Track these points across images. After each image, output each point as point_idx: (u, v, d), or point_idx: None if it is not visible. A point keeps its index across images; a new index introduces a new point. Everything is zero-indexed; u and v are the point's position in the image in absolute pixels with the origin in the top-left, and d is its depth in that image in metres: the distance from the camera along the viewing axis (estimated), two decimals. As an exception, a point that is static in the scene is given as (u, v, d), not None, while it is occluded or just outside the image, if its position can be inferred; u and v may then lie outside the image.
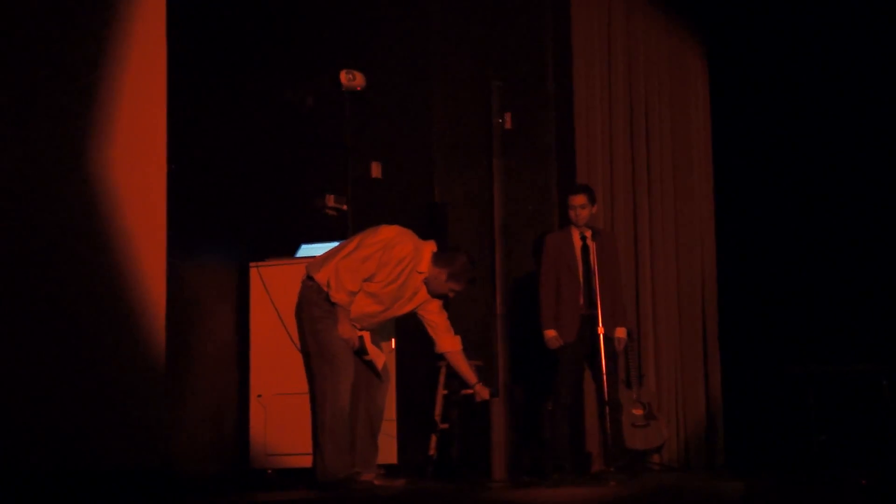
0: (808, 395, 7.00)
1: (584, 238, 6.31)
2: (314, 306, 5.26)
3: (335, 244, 6.13)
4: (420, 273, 5.34)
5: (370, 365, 5.43)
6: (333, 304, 5.21)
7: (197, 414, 5.86)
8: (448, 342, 5.51)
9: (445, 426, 6.65)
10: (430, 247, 5.38)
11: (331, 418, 5.18)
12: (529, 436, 6.84)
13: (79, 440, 4.91)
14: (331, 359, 5.22)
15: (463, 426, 6.61)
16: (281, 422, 6.09)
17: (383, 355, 5.43)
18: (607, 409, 6.08)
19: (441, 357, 6.74)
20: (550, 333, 6.29)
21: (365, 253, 5.22)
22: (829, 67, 7.80)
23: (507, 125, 6.94)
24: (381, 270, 5.24)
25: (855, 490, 5.64)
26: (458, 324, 7.18)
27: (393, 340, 6.16)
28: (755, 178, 7.98)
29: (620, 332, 6.37)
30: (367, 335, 5.34)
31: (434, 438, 6.54)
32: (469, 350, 6.95)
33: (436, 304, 5.48)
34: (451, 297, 5.43)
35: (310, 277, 5.30)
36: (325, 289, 5.22)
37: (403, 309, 5.44)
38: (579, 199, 6.34)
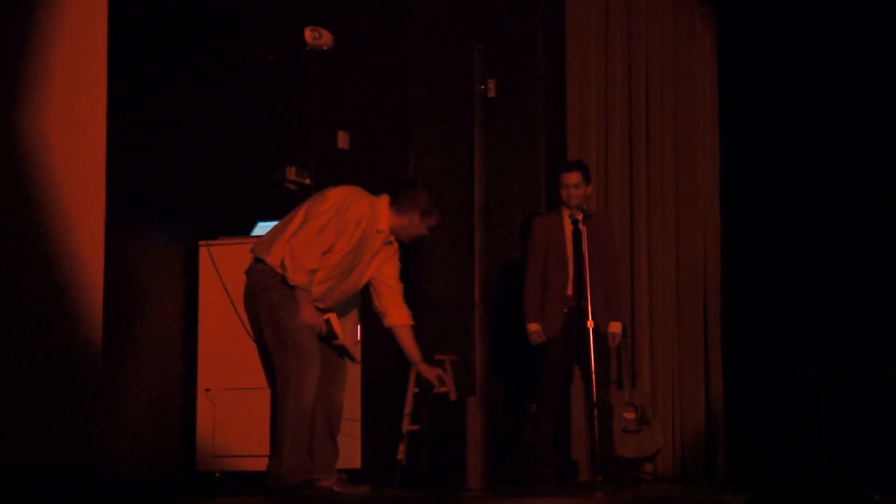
0: (819, 399, 7.04)
1: (575, 221, 6.30)
2: (271, 292, 5.22)
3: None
4: (380, 232, 5.36)
5: (340, 350, 5.41)
6: (292, 288, 5.19)
7: (137, 410, 5.83)
8: (401, 315, 5.51)
9: (415, 428, 6.66)
10: (384, 200, 5.41)
11: (292, 416, 5.16)
12: (509, 440, 6.86)
13: (3, 438, 4.88)
14: (297, 350, 5.18)
15: (435, 428, 6.62)
16: (231, 420, 6.06)
17: (332, 314, 5.39)
18: (595, 412, 6.09)
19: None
20: (533, 327, 6.29)
21: (318, 223, 5.18)
22: (857, 29, 7.74)
23: (491, 93, 6.87)
24: (340, 239, 5.23)
25: (867, 505, 5.69)
26: (432, 313, 7.24)
27: (358, 330, 6.15)
28: (767, 158, 7.97)
29: (614, 327, 6.37)
30: (333, 316, 5.33)
31: (403, 441, 6.55)
32: (444, 343, 6.98)
33: (393, 269, 5.50)
34: (427, 235, 5.58)
35: (259, 260, 5.26)
36: (280, 270, 5.19)
37: (364, 276, 5.44)
38: (573, 178, 6.33)
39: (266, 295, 5.22)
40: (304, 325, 5.20)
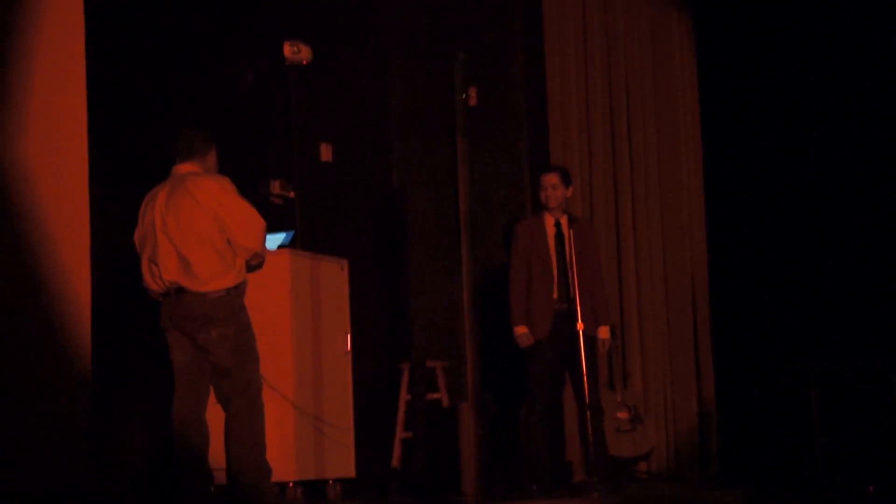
0: (810, 393, 7.05)
1: (558, 225, 6.34)
2: (240, 312, 5.20)
3: (282, 235, 6.14)
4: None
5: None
6: (242, 290, 5.22)
7: (126, 427, 5.84)
8: None
9: (409, 435, 6.67)
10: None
11: (262, 422, 5.19)
12: (503, 445, 6.87)
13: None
14: (254, 357, 5.24)
15: (429, 435, 6.63)
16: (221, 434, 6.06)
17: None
18: (588, 413, 6.12)
19: (404, 359, 6.78)
20: (521, 330, 6.31)
21: (246, 208, 5.20)
22: (833, 36, 7.79)
23: (472, 101, 6.92)
24: None
25: (862, 497, 5.71)
26: (420, 321, 7.26)
27: (348, 340, 6.17)
28: (749, 158, 8.00)
29: (603, 332, 6.39)
30: None
31: (397, 449, 6.56)
32: (434, 350, 7.00)
33: None
34: None
35: (214, 291, 5.13)
36: (254, 261, 5.22)
37: None
38: (551, 179, 6.37)
39: (236, 317, 5.17)
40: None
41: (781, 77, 7.93)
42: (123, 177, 5.78)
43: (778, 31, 7.92)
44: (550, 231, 6.36)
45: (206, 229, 5.13)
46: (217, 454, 5.26)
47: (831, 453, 7.00)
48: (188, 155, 5.33)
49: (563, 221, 6.36)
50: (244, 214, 5.18)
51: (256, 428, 5.19)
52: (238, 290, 5.22)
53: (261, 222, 5.21)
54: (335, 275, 6.10)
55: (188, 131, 5.37)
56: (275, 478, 5.31)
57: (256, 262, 5.29)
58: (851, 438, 7.17)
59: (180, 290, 5.16)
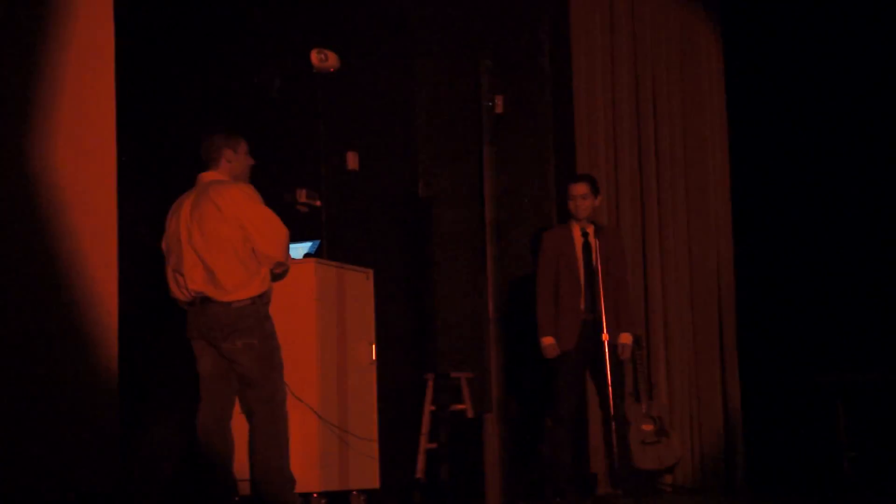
0: (838, 407, 7.01)
1: (585, 234, 6.31)
2: (264, 321, 5.22)
3: (308, 244, 6.13)
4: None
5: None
6: (267, 300, 5.23)
7: (156, 436, 5.84)
8: None
9: (433, 445, 6.65)
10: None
11: (286, 431, 5.21)
12: (527, 455, 6.85)
13: (17, 463, 4.89)
14: (279, 367, 5.25)
15: (453, 445, 6.60)
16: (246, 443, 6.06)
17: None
18: (613, 424, 6.08)
19: (429, 370, 6.75)
20: (548, 341, 6.29)
21: (269, 215, 5.23)
22: (863, 40, 7.73)
23: (499, 109, 6.88)
24: None
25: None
26: (444, 331, 7.24)
27: (373, 351, 6.16)
28: (778, 164, 7.95)
29: (625, 339, 6.37)
30: None
31: (421, 459, 6.54)
32: (459, 360, 6.98)
33: None
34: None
35: (239, 301, 5.14)
36: (278, 270, 5.23)
37: None
38: (580, 189, 6.34)
39: (260, 326, 5.19)
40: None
41: (810, 83, 7.87)
42: (151, 183, 5.79)
43: (807, 37, 7.86)
44: (578, 241, 6.33)
45: (229, 238, 5.13)
46: (242, 464, 5.26)
47: (858, 468, 6.95)
48: (210, 162, 5.33)
49: (591, 231, 6.33)
50: (267, 223, 5.18)
51: (280, 438, 5.19)
52: (263, 300, 5.22)
53: (283, 230, 5.21)
54: (360, 284, 6.08)
55: (210, 138, 5.37)
56: (298, 488, 5.30)
57: (280, 270, 5.29)
58: (878, 453, 7.12)
59: (206, 300, 5.16)
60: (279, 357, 5.25)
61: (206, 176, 5.30)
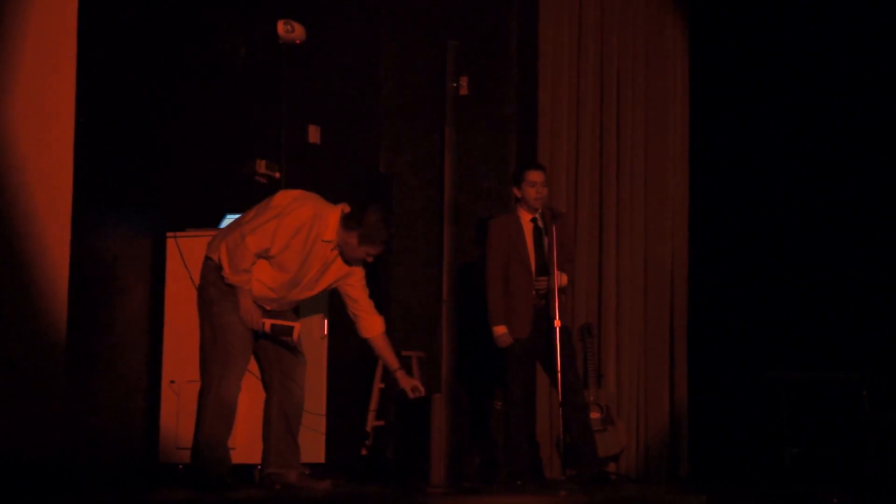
0: (782, 403, 7.10)
1: (534, 221, 6.33)
2: (211, 286, 5.28)
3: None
4: (327, 242, 5.28)
5: (286, 345, 5.42)
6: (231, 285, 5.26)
7: (100, 400, 5.82)
8: (374, 324, 5.50)
9: (381, 423, 6.68)
10: (337, 211, 5.30)
11: (212, 410, 5.22)
12: (475, 437, 6.89)
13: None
14: (225, 345, 5.25)
15: (400, 424, 6.63)
16: (195, 412, 6.06)
17: (298, 324, 5.41)
18: (565, 410, 6.13)
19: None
20: (500, 330, 6.29)
21: (256, 224, 5.21)
22: (827, 35, 7.80)
23: (463, 90, 6.93)
24: (276, 242, 5.20)
25: (824, 508, 5.75)
26: (399, 310, 7.26)
27: (325, 325, 6.17)
28: (737, 161, 8.02)
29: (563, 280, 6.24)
30: (298, 326, 5.35)
31: (368, 437, 6.56)
32: (411, 340, 7.00)
33: (358, 278, 5.44)
34: (369, 261, 5.39)
35: (208, 256, 5.33)
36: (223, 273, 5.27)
37: (317, 286, 5.41)
38: (541, 176, 6.35)
39: (206, 289, 5.30)
40: (238, 324, 5.22)
41: (774, 79, 7.94)
42: (109, 145, 5.74)
43: (772, 31, 7.93)
44: (528, 228, 6.34)
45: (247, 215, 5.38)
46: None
47: (800, 463, 7.05)
48: (349, 217, 5.34)
49: (539, 218, 6.32)
50: (234, 241, 5.25)
51: (204, 411, 5.26)
52: (221, 269, 5.24)
53: (242, 249, 5.20)
54: (315, 258, 6.07)
55: (374, 213, 5.34)
56: (242, 460, 5.31)
57: (226, 279, 5.31)
58: (820, 448, 7.23)
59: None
60: (221, 326, 5.25)
61: (339, 211, 5.32)
